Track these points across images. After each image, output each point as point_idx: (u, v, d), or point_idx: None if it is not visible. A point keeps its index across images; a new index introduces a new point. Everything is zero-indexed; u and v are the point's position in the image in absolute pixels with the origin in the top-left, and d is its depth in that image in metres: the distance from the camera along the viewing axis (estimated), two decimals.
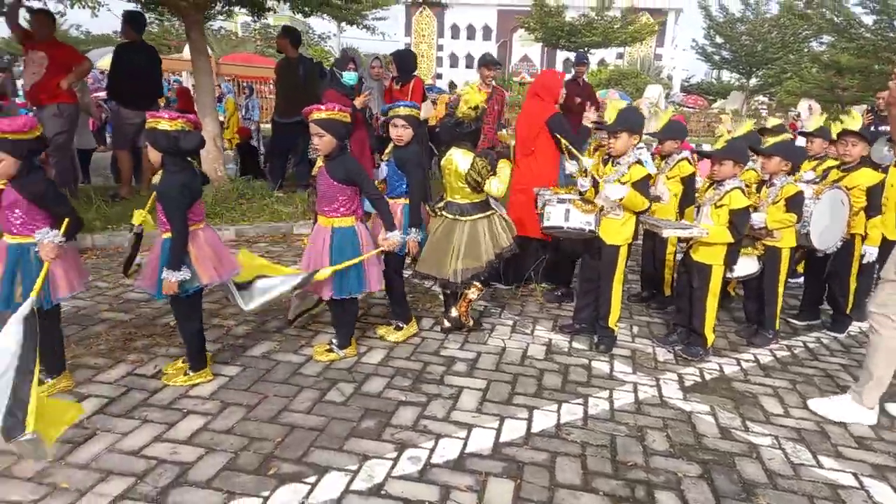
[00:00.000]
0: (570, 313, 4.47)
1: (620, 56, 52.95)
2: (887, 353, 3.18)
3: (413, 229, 3.56)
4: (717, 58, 30.32)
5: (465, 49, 57.48)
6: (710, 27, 29.59)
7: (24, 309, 2.44)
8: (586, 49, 23.25)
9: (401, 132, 3.60)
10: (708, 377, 3.72)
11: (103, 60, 12.58)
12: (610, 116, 3.74)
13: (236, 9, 7.98)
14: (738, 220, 3.71)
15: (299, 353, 3.58)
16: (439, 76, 52.94)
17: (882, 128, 6.07)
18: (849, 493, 2.65)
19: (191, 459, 2.51)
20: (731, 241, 3.72)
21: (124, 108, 6.40)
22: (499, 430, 2.92)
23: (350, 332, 3.59)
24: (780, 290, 4.21)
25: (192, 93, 9.34)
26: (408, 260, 3.93)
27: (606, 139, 4.62)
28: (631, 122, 3.72)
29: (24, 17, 5.96)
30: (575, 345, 4.05)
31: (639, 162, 3.68)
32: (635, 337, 4.26)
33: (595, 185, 3.86)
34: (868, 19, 17.05)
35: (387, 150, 3.79)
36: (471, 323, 3.98)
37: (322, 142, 3.23)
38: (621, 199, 3.61)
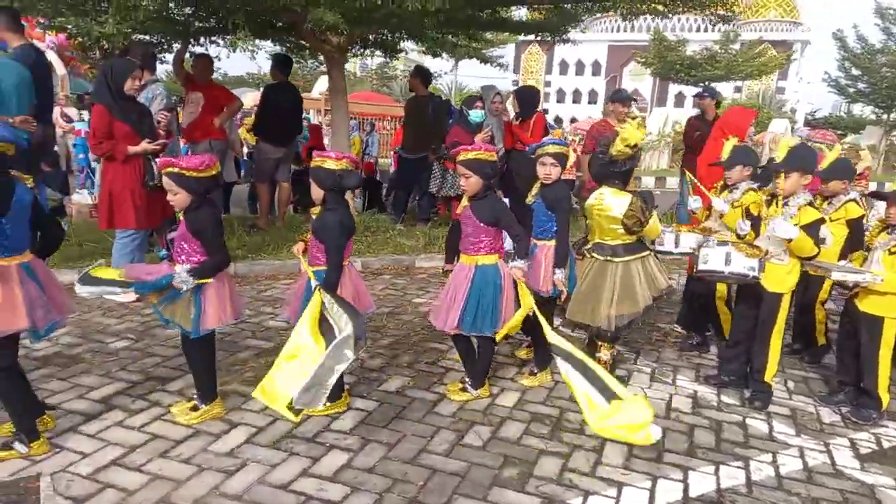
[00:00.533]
0: (713, 362, 4.15)
1: (738, 90, 50.66)
2: None
3: (559, 269, 3.45)
4: (852, 90, 28.19)
5: (573, 85, 57.26)
6: (844, 59, 27.63)
7: None
8: (707, 82, 22.39)
9: (550, 170, 3.51)
10: (886, 445, 3.28)
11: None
12: (780, 154, 3.47)
13: (369, 50, 8.34)
14: None
15: (433, 391, 3.52)
16: (546, 111, 52.96)
17: None
18: None
19: (337, 498, 2.48)
20: None
21: (266, 143, 6.80)
22: (652, 491, 2.68)
23: (485, 372, 3.49)
24: None
25: (321, 129, 9.86)
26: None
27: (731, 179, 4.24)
28: (804, 160, 3.42)
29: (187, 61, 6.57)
30: (724, 398, 3.71)
31: (810, 203, 3.37)
32: (792, 394, 3.85)
33: (756, 227, 3.57)
34: None
35: (533, 191, 3.70)
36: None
37: (469, 182, 3.21)
38: (790, 242, 3.30)
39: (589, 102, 53.62)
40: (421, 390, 3.52)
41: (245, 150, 9.43)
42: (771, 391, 3.65)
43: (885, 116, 27.73)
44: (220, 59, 7.14)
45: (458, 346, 3.49)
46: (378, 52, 8.39)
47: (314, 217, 3.08)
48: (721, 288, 4.11)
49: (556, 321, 3.94)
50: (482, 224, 3.23)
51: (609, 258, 3.48)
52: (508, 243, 3.44)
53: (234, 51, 4.85)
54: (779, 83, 52.67)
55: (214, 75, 6.80)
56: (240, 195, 8.70)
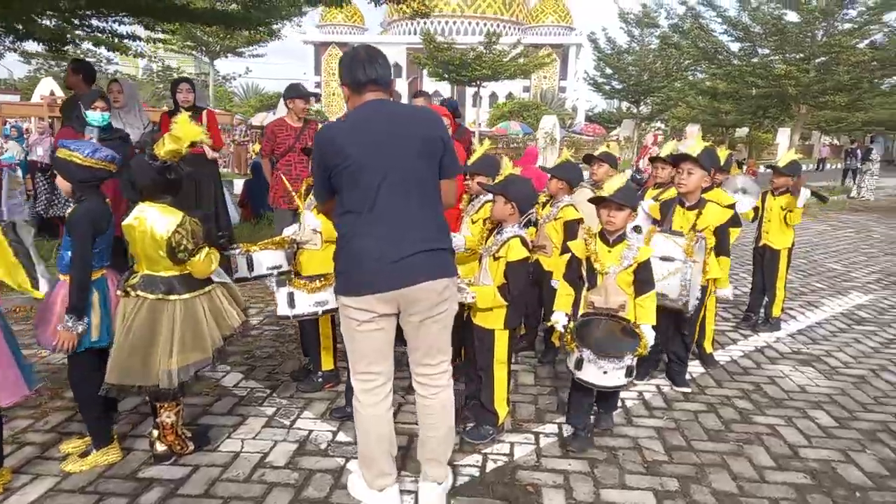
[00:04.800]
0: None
1: (527, 90, 54.35)
2: (357, 423, 2.60)
3: (68, 317, 2.64)
4: (607, 88, 31.24)
5: None
6: (599, 59, 30.51)
7: None
8: (478, 82, 23.37)
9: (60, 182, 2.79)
10: (490, 467, 3.02)
11: None
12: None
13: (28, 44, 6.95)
14: (514, 276, 3.07)
15: None
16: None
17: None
18: None
19: None
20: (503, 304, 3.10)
21: None
22: None
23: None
24: None
25: None
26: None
27: None
28: (489, 166, 3.60)
29: None
30: (341, 436, 3.26)
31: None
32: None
33: None
34: (734, 46, 17.75)
35: None
36: (190, 448, 3.01)
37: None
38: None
39: None
40: None
41: None
42: None
43: (634, 110, 31.09)
44: None
45: None
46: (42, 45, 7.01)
47: None
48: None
49: None
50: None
51: (163, 296, 2.72)
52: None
53: None
54: (561, 83, 57.53)
55: None
56: None
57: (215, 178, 6.59)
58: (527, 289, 3.32)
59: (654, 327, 3.17)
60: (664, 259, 3.54)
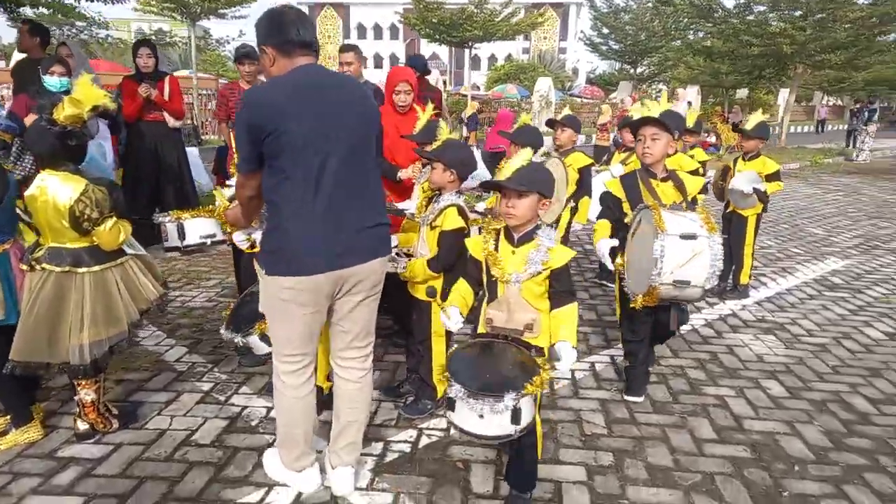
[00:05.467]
0: None
1: (526, 51, 53.29)
2: (279, 404, 2.48)
3: None
4: (604, 48, 30.54)
5: (374, 49, 56.52)
6: (596, 18, 29.77)
7: None
8: (469, 43, 22.85)
9: None
10: (423, 442, 2.95)
11: None
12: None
13: None
14: (447, 246, 2.95)
15: None
16: None
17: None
18: None
19: None
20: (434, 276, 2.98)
21: None
22: None
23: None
24: None
25: None
26: None
27: None
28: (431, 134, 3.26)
29: None
30: (274, 413, 3.18)
31: None
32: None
33: None
34: (729, 3, 17.24)
35: None
36: (115, 425, 2.94)
37: None
38: None
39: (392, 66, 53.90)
40: None
41: None
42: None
43: (632, 71, 30.45)
44: None
45: None
46: None
47: None
48: None
49: None
50: None
51: (71, 268, 2.61)
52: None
53: None
54: (561, 44, 56.36)
55: None
56: None
57: (179, 147, 6.42)
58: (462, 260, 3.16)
59: (641, 330, 3.03)
60: (685, 237, 2.80)
